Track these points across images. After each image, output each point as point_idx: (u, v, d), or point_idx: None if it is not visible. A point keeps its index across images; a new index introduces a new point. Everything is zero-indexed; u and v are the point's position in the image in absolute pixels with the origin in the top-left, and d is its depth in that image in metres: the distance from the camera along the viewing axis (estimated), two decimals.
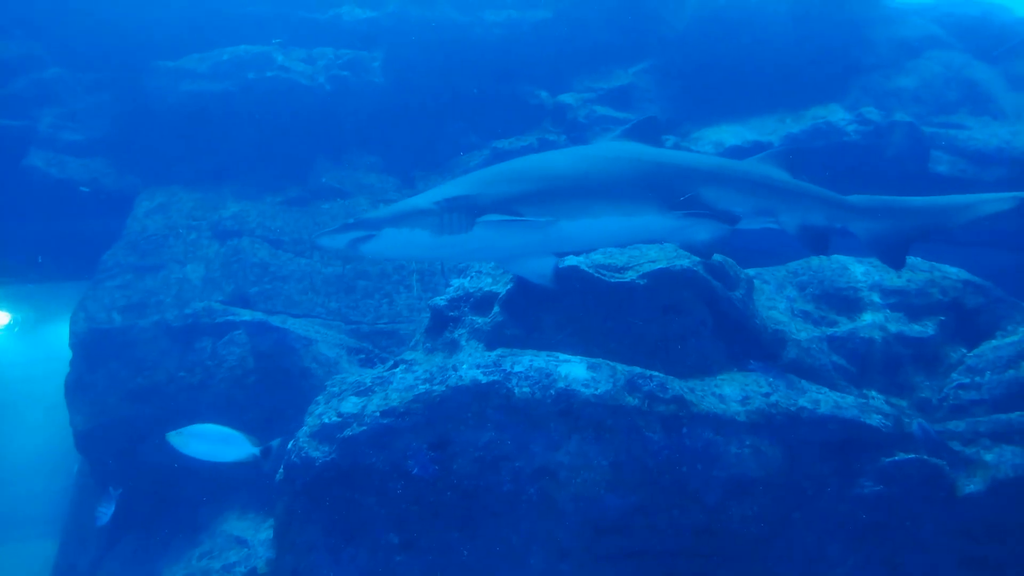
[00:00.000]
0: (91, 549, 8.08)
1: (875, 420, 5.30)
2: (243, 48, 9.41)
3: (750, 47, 9.49)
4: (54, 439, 8.78)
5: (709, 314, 5.76)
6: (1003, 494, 5.11)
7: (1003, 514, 5.11)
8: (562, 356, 5.28)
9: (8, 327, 11.00)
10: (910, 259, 6.58)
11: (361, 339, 7.86)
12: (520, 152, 8.67)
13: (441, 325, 6.07)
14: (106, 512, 6.97)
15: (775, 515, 5.11)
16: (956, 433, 5.45)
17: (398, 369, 5.54)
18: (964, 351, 6.01)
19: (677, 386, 5.18)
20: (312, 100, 9.27)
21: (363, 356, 7.64)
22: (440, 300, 6.17)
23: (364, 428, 5.01)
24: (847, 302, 6.35)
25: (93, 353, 7.66)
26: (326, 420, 5.14)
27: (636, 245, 6.17)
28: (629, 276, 5.73)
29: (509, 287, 5.84)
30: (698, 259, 5.80)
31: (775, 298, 6.41)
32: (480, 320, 5.85)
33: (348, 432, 5.02)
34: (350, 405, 5.18)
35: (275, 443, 5.85)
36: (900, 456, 5.21)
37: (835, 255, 6.64)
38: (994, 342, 5.95)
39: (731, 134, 8.88)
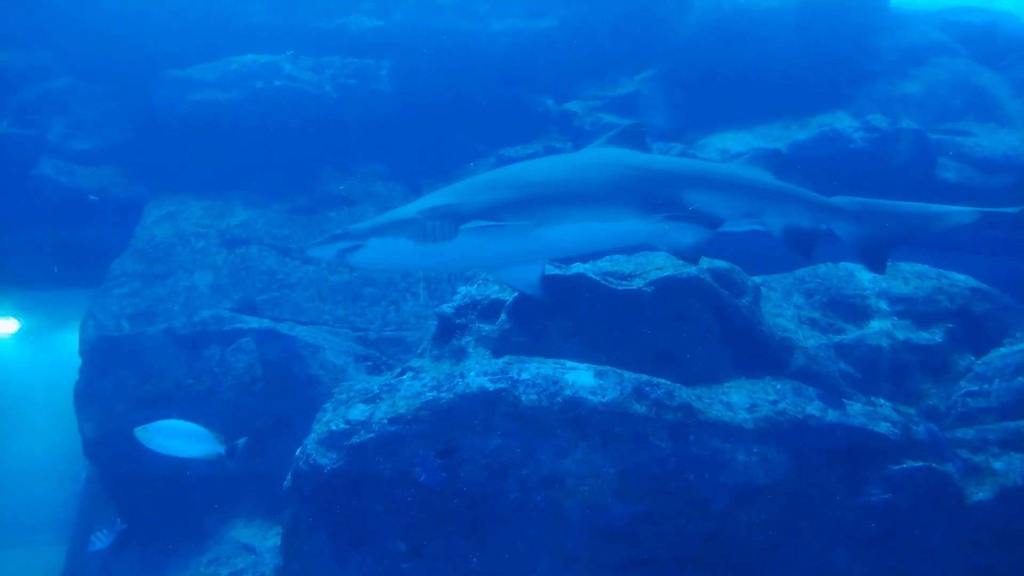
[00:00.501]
0: (98, 555, 8.10)
1: (883, 427, 5.29)
2: (251, 57, 9.47)
3: (755, 55, 9.52)
4: (63, 445, 8.83)
5: (716, 321, 5.76)
6: (1012, 502, 5.09)
7: (1012, 522, 5.08)
8: (569, 363, 5.29)
9: (18, 334, 11.07)
10: (918, 266, 6.59)
11: (368, 346, 7.88)
12: (526, 160, 8.70)
13: (448, 332, 6.09)
14: (103, 539, 7.02)
15: (782, 523, 5.09)
16: (964, 441, 5.44)
17: (405, 376, 5.55)
18: (972, 358, 5.99)
19: (684, 394, 5.18)
20: (319, 108, 9.32)
21: (370, 363, 7.66)
22: (447, 307, 6.19)
23: (372, 435, 5.02)
24: (854, 309, 6.34)
25: (102, 360, 7.70)
26: (334, 427, 5.15)
27: (643, 252, 6.19)
28: (636, 283, 5.74)
29: (516, 295, 5.86)
30: (705, 266, 5.81)
31: (782, 305, 6.41)
32: (487, 327, 5.86)
33: (356, 439, 5.04)
34: (358, 412, 5.20)
35: (240, 442, 5.96)
36: (908, 464, 5.19)
37: (842, 263, 6.64)
38: (1002, 349, 5.94)
39: (737, 141, 8.89)
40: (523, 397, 5.01)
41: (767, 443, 5.12)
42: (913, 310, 6.24)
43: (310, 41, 9.90)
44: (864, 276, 6.51)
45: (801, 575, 5.17)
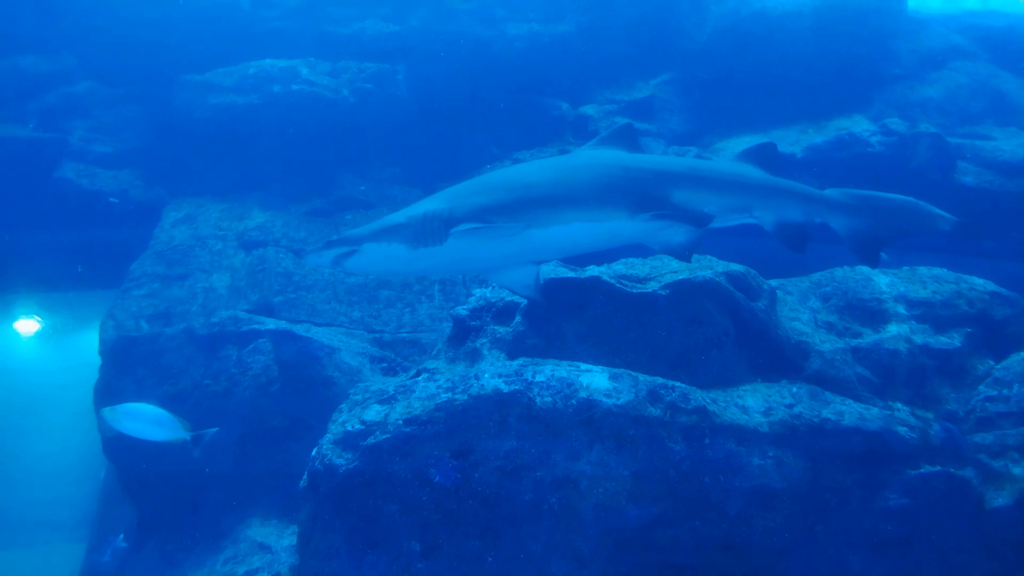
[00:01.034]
0: (117, 553, 8.17)
1: (900, 432, 5.25)
2: (269, 62, 9.58)
3: (772, 59, 9.51)
4: (82, 445, 8.93)
5: (731, 325, 5.75)
6: None
7: None
8: (583, 366, 5.29)
9: (38, 334, 11.23)
10: (936, 270, 6.54)
11: (383, 348, 7.93)
12: None
13: (463, 334, 6.11)
14: (104, 552, 7.13)
15: (797, 527, 5.06)
16: (983, 446, 5.38)
17: (421, 378, 5.57)
18: (991, 363, 5.93)
19: (699, 396, 5.17)
20: (336, 113, 9.41)
21: (385, 365, 7.70)
22: (462, 310, 6.21)
23: (387, 436, 5.04)
24: (871, 313, 6.30)
25: (121, 360, 7.79)
26: (349, 428, 5.19)
27: (658, 256, 6.18)
28: (651, 287, 5.74)
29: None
30: (720, 270, 5.81)
31: (798, 309, 6.38)
32: (502, 330, 5.88)
33: (371, 440, 5.06)
34: (373, 413, 5.23)
35: (210, 432, 6.13)
36: (926, 468, 5.15)
37: (859, 266, 6.60)
38: (1022, 354, 5.88)
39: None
40: (537, 399, 5.02)
41: (782, 447, 5.10)
42: (931, 314, 6.19)
43: (327, 46, 10.01)
44: (882, 280, 6.46)
45: None
